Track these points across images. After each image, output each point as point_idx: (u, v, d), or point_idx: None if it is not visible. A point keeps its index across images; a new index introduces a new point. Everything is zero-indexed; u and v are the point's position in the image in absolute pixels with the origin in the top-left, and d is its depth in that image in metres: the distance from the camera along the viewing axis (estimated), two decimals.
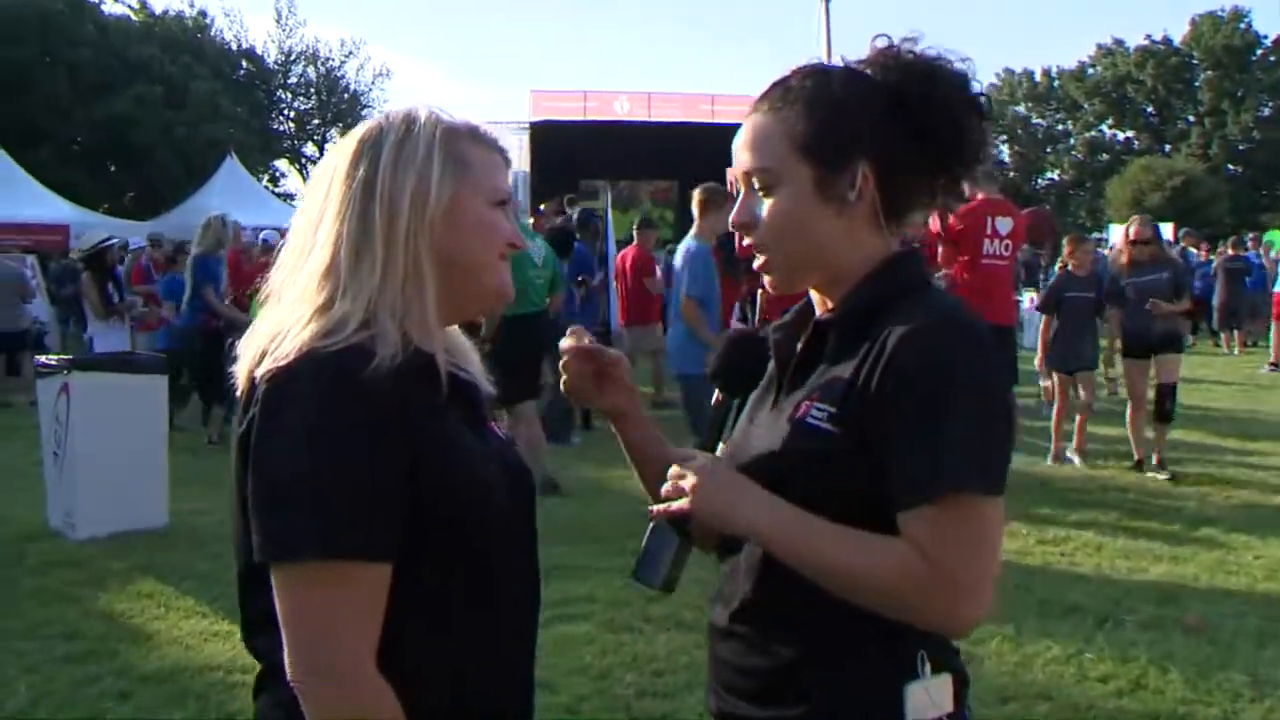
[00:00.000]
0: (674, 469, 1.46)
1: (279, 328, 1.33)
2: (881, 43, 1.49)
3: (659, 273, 11.18)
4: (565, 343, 1.66)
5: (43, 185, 23.82)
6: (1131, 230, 8.44)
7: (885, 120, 1.44)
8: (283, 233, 1.54)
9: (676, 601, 4.78)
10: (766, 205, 1.47)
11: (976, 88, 1.48)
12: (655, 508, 1.47)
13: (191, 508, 6.55)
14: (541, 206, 19.30)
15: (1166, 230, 20.05)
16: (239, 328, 8.77)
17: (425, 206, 1.37)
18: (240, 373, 1.35)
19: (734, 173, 1.52)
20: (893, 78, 1.46)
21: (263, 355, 1.31)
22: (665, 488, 1.46)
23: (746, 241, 1.51)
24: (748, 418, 1.57)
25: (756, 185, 1.47)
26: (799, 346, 1.50)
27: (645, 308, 11.18)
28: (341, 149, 1.42)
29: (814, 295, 1.54)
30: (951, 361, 1.33)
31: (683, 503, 1.42)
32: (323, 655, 1.25)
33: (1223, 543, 6.13)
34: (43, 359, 7.17)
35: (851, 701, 1.40)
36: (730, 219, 1.53)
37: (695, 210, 7.04)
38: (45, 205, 22.93)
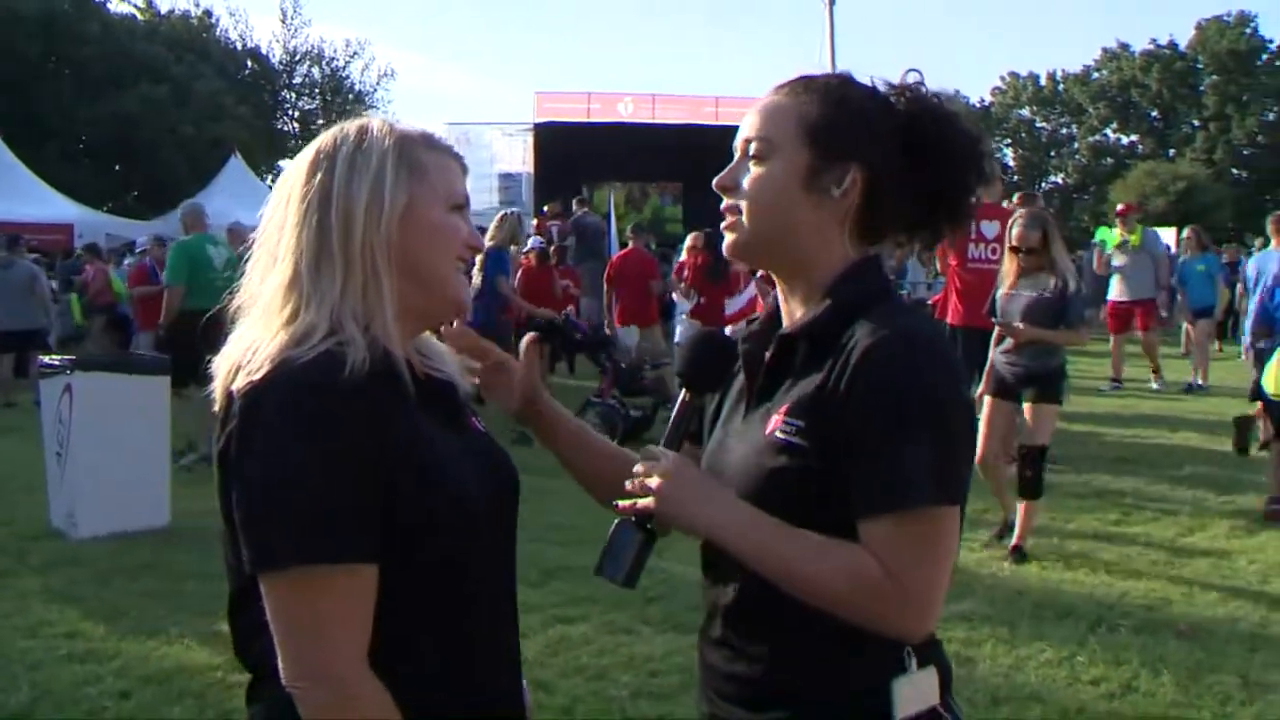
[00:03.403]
0: (639, 466, 1.49)
1: (250, 342, 1.37)
2: (914, 78, 1.55)
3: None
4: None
5: (46, 184, 23.82)
6: (1014, 233, 5.98)
7: (892, 143, 1.49)
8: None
9: (674, 603, 4.81)
10: (753, 172, 1.51)
11: (983, 150, 1.54)
12: (621, 503, 1.49)
13: (194, 508, 6.56)
14: (545, 208, 19.40)
15: (1169, 235, 19.79)
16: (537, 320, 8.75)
17: (381, 213, 1.40)
18: (217, 389, 1.38)
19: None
20: (913, 109, 1.52)
21: (237, 370, 1.35)
22: (630, 484, 1.49)
23: (724, 204, 1.55)
24: (722, 430, 1.60)
25: (752, 152, 1.51)
26: (767, 357, 1.53)
27: (645, 309, 11.26)
28: (299, 162, 1.46)
29: (780, 299, 1.58)
30: (911, 379, 1.37)
31: (647, 501, 1.46)
32: (314, 660, 1.28)
33: (1218, 547, 6.15)
34: (46, 359, 7.22)
35: (841, 700, 1.44)
36: (715, 181, 1.56)
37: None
38: (49, 204, 22.93)
